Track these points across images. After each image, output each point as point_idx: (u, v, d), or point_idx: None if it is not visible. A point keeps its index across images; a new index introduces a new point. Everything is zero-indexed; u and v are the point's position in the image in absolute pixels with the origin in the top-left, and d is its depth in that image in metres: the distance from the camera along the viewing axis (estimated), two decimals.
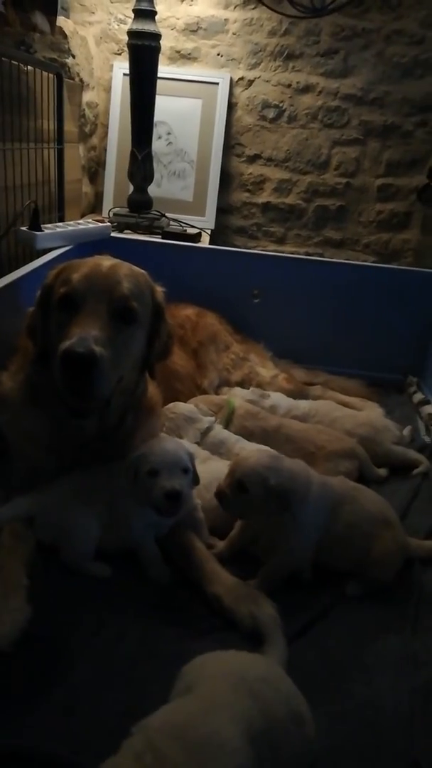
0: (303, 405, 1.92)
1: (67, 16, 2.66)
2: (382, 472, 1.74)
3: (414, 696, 1.04)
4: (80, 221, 2.21)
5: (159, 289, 1.37)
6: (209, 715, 0.76)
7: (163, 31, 2.73)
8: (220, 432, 1.67)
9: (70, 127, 2.53)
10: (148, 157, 2.86)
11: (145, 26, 2.60)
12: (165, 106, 3.03)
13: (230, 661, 0.90)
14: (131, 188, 2.92)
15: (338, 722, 0.98)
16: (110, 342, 1.15)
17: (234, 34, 3.13)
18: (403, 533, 1.34)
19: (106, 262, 1.27)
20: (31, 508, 1.25)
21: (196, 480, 1.29)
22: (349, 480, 1.48)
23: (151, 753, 0.70)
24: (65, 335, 1.13)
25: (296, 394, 2.03)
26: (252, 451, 1.38)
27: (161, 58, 2.76)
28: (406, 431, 1.92)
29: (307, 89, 3.21)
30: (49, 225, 1.96)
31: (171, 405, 1.67)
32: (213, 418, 1.70)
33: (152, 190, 2.95)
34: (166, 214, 2.91)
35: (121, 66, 3.11)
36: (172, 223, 2.90)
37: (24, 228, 1.87)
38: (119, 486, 1.26)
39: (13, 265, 1.92)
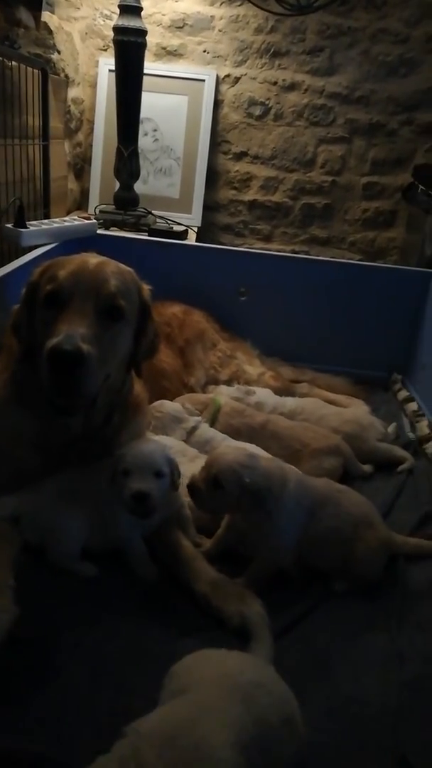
0: (289, 402, 1.93)
1: (52, 12, 2.63)
2: (367, 468, 1.76)
3: (401, 691, 1.05)
4: (66, 218, 2.20)
5: (146, 287, 1.36)
6: (200, 721, 0.76)
7: (148, 27, 2.71)
8: (206, 431, 1.67)
9: (55, 123, 2.51)
10: (134, 154, 2.84)
11: (131, 22, 2.58)
12: (151, 102, 3.02)
13: (223, 662, 0.90)
14: (117, 185, 2.91)
15: (325, 718, 0.99)
16: (97, 340, 1.15)
17: (220, 30, 3.13)
18: (387, 531, 1.35)
19: (93, 259, 1.26)
20: (17, 507, 1.24)
21: (174, 485, 1.28)
22: (334, 481, 1.49)
23: (135, 761, 0.70)
24: (52, 333, 1.13)
25: (283, 391, 2.04)
26: (228, 447, 1.38)
27: (147, 55, 2.74)
28: (391, 428, 1.93)
29: (293, 87, 3.21)
30: (34, 222, 1.95)
31: (157, 403, 1.66)
32: (199, 417, 1.70)
33: (138, 187, 2.94)
34: (153, 212, 2.90)
35: (107, 62, 3.09)
36: (158, 220, 2.89)
37: (9, 225, 1.85)
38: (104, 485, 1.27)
39: None
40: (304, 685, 1.04)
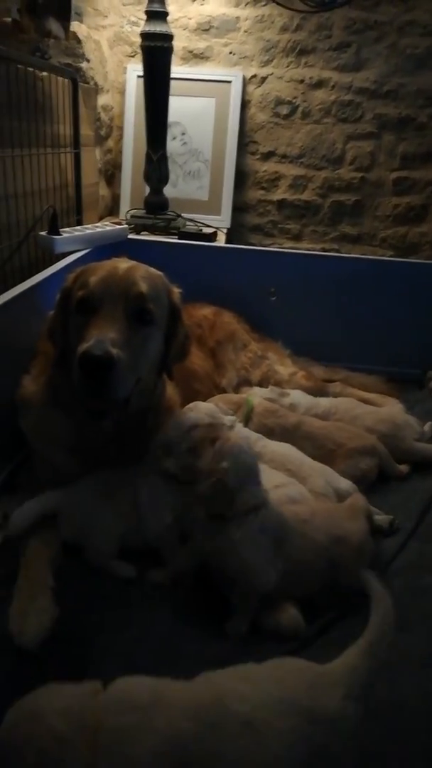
0: (323, 402, 1.92)
1: (81, 21, 2.68)
2: (404, 468, 1.73)
3: None
4: (98, 224, 2.23)
5: (175, 290, 1.37)
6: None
7: (175, 31, 2.74)
8: (241, 430, 1.66)
9: (86, 130, 2.55)
10: (163, 158, 2.87)
11: (158, 27, 2.61)
12: (179, 106, 3.04)
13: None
14: (147, 190, 2.94)
15: (362, 725, 0.98)
16: (127, 344, 1.16)
17: (246, 31, 3.13)
18: (361, 529, 1.29)
19: (123, 264, 1.28)
20: (56, 504, 1.27)
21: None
22: (370, 480, 1.47)
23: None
24: (83, 338, 1.15)
25: (315, 391, 2.02)
26: (241, 439, 1.32)
27: (174, 59, 2.76)
28: (427, 427, 1.90)
29: (320, 84, 3.19)
30: (67, 229, 1.98)
31: (191, 405, 1.66)
32: (234, 417, 1.70)
33: (168, 190, 2.96)
34: (182, 215, 2.92)
35: (135, 68, 3.12)
36: (188, 223, 2.91)
37: (43, 233, 1.89)
38: (147, 482, 1.28)
39: (32, 270, 1.94)
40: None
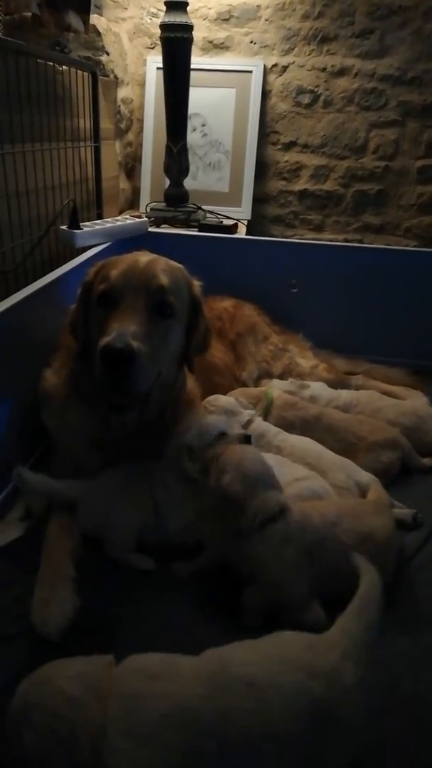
0: (345, 395, 1.90)
1: (100, 14, 2.68)
2: (427, 461, 1.71)
3: None
4: (118, 218, 2.24)
5: (196, 283, 1.37)
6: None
7: (195, 21, 2.72)
8: (260, 424, 1.66)
9: (106, 124, 2.55)
10: (184, 150, 2.86)
11: (177, 18, 2.59)
12: (199, 97, 3.02)
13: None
14: (168, 182, 2.93)
15: (384, 718, 0.97)
16: (148, 337, 1.16)
17: (266, 20, 3.09)
18: (388, 524, 1.26)
19: (144, 257, 1.28)
20: (75, 493, 1.28)
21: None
22: (392, 474, 1.45)
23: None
24: (104, 331, 1.15)
25: (337, 383, 2.00)
26: (248, 450, 1.28)
27: (194, 49, 2.75)
28: None
29: (342, 72, 3.14)
30: (87, 223, 1.99)
31: (211, 398, 1.67)
32: (253, 411, 1.70)
33: (188, 183, 2.95)
34: (203, 207, 2.91)
35: (155, 60, 3.11)
36: (208, 215, 2.90)
37: (63, 227, 1.90)
38: (166, 480, 1.29)
39: (53, 264, 1.95)
40: (361, 683, 1.03)
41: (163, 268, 1.27)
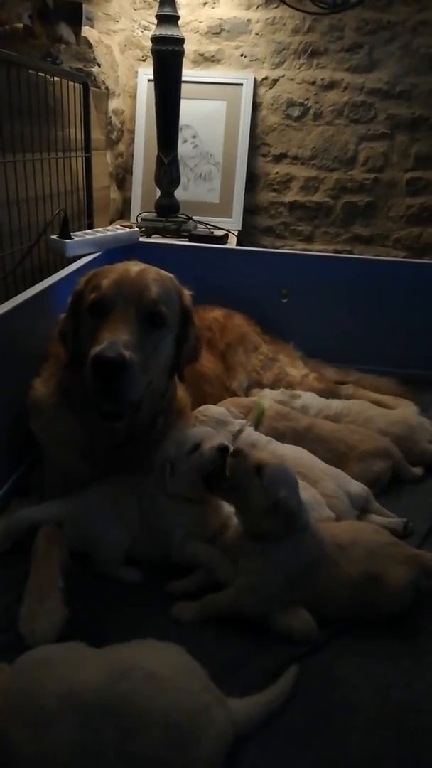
0: (335, 404, 1.90)
1: (92, 26, 2.70)
2: (418, 471, 1.71)
3: None
4: (109, 228, 2.24)
5: (186, 293, 1.37)
6: None
7: (186, 34, 2.74)
8: (251, 434, 1.66)
9: (97, 134, 2.57)
10: (174, 161, 2.87)
11: (169, 31, 2.61)
12: (190, 109, 3.04)
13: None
14: (158, 193, 2.94)
15: (378, 727, 0.97)
16: (140, 346, 1.16)
17: (257, 34, 3.13)
18: (408, 575, 1.18)
19: (135, 267, 1.28)
20: (60, 513, 1.27)
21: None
22: (383, 482, 1.45)
23: None
24: (96, 340, 1.15)
25: (327, 393, 2.01)
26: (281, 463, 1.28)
27: (185, 62, 2.77)
28: None
29: (332, 86, 3.18)
30: (78, 232, 1.99)
31: (202, 408, 1.67)
32: (244, 420, 1.70)
33: (179, 193, 2.97)
34: (193, 217, 2.92)
35: (146, 72, 3.14)
36: (199, 225, 2.91)
37: (54, 236, 1.90)
38: (153, 495, 1.28)
39: (44, 273, 1.95)
40: (355, 692, 1.02)
41: (154, 277, 1.27)
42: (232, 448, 1.24)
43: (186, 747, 0.82)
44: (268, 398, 1.84)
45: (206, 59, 3.20)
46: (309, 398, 1.91)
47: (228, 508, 1.32)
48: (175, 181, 2.90)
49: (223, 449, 1.25)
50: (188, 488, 1.27)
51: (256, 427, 1.72)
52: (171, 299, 1.29)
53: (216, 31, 3.14)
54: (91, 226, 2.41)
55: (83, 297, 1.27)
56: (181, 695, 0.85)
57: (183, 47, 2.68)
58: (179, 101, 2.77)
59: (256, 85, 3.20)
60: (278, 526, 1.14)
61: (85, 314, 1.24)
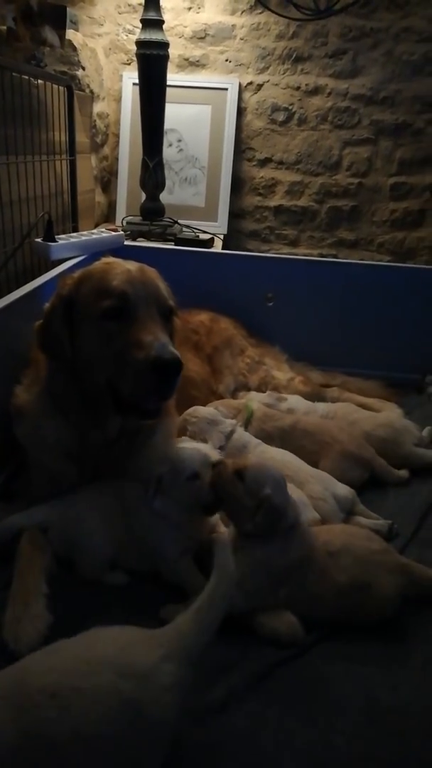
0: (321, 407, 1.91)
1: (77, 29, 2.69)
2: (403, 473, 1.72)
3: None
4: (94, 231, 2.23)
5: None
6: None
7: (170, 39, 2.75)
8: (242, 435, 1.66)
9: (81, 138, 2.56)
10: (160, 165, 2.87)
11: (153, 35, 2.62)
12: (175, 113, 3.05)
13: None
14: (143, 196, 2.94)
15: (364, 729, 0.97)
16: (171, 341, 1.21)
17: (241, 39, 3.14)
18: (398, 584, 1.18)
19: (128, 266, 1.27)
20: (45, 518, 1.26)
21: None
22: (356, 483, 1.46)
23: None
24: (134, 344, 1.15)
25: (313, 396, 2.02)
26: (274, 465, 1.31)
27: (170, 66, 2.77)
28: (426, 432, 1.89)
29: (316, 91, 3.20)
30: (62, 236, 1.98)
31: (191, 409, 1.66)
32: (234, 421, 1.70)
33: (164, 197, 2.97)
34: (179, 221, 2.92)
35: (131, 76, 3.14)
36: (184, 229, 2.91)
37: (38, 239, 1.89)
38: (139, 513, 1.26)
39: (28, 276, 1.94)
40: (341, 693, 1.02)
41: (154, 274, 1.30)
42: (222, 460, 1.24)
43: (123, 752, 0.77)
44: (255, 401, 1.84)
45: (191, 64, 3.21)
46: (295, 401, 1.92)
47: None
48: (160, 185, 2.90)
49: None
50: (182, 513, 1.25)
51: (245, 429, 1.72)
52: (169, 292, 1.31)
53: (201, 36, 3.15)
54: (75, 230, 2.40)
55: (75, 302, 1.25)
56: (92, 701, 0.78)
57: (168, 51, 2.68)
58: (164, 105, 2.78)
59: (241, 89, 3.21)
60: (266, 524, 1.15)
61: (97, 319, 1.21)
